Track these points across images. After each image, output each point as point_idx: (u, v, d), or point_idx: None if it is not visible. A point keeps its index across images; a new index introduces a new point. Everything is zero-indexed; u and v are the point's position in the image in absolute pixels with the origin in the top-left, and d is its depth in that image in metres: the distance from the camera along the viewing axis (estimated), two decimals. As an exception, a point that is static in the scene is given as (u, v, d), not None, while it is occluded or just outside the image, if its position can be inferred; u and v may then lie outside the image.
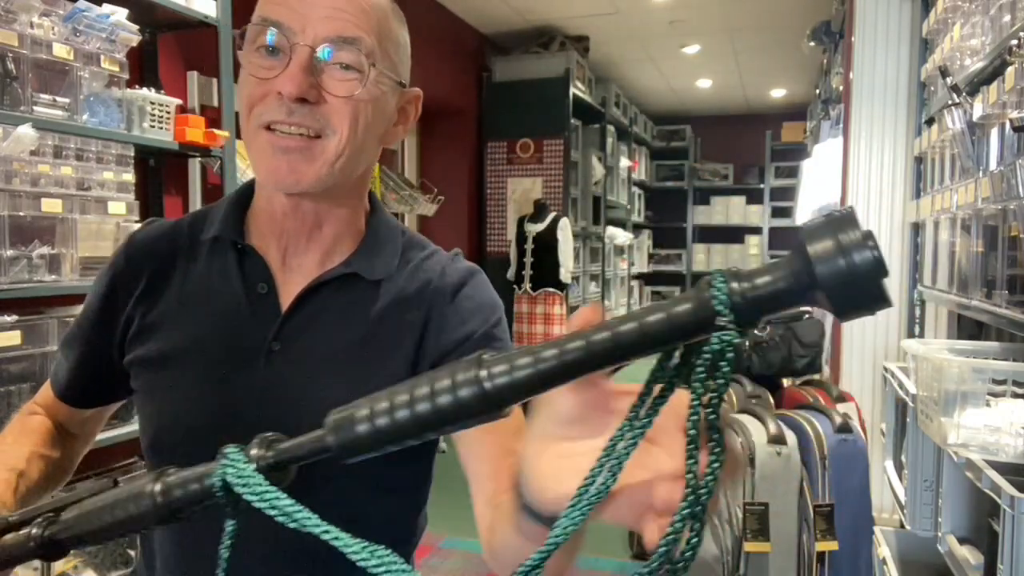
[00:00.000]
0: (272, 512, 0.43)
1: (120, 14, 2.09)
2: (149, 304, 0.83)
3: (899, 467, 1.95)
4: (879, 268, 0.31)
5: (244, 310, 0.80)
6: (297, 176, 0.74)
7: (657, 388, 0.39)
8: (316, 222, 0.81)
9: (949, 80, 1.82)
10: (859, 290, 0.32)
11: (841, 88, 3.64)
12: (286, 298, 0.81)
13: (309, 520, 0.42)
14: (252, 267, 0.82)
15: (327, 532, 0.41)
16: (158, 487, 0.49)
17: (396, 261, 0.84)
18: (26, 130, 1.77)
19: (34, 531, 0.55)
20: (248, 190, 0.86)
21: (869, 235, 0.31)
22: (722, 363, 0.36)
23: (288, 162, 0.73)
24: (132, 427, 2.09)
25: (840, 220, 0.32)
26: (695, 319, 0.37)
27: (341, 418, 0.43)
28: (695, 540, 0.36)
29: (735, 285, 0.36)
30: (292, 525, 0.42)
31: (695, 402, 0.37)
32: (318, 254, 0.82)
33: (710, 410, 0.37)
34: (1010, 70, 1.42)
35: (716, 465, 0.37)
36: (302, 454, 0.45)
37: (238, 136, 2.59)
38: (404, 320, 0.81)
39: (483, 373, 0.39)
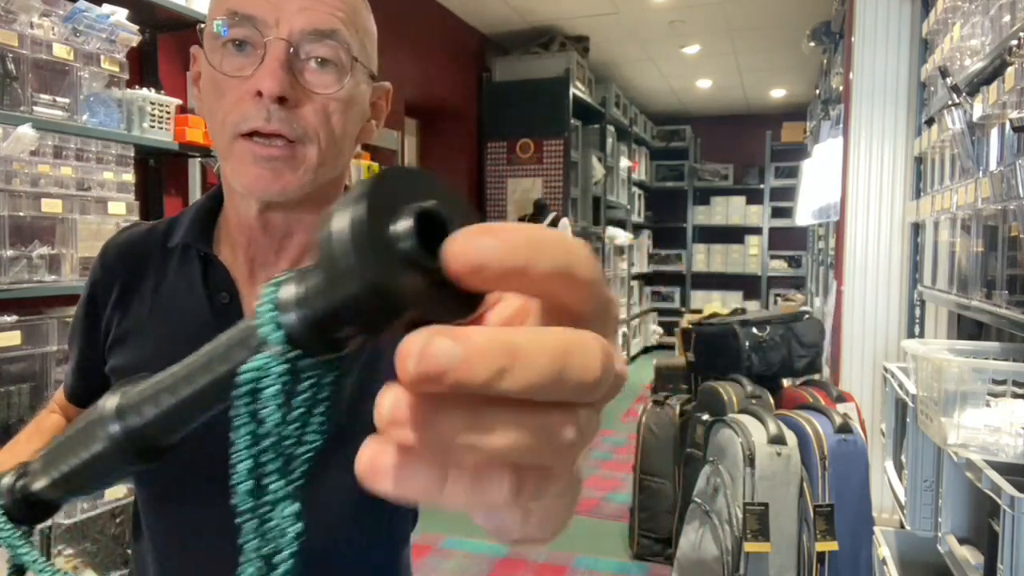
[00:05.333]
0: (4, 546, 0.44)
1: (120, 14, 2.09)
2: (123, 312, 0.81)
3: (899, 467, 1.95)
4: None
5: (208, 321, 0.77)
6: (282, 184, 0.70)
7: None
8: (286, 232, 0.77)
9: (949, 80, 1.82)
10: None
11: (841, 88, 3.64)
12: (251, 308, 0.78)
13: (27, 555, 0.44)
14: (215, 277, 0.78)
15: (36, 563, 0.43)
16: None
17: None
18: (26, 130, 1.77)
19: (8, 480, 0.47)
20: (217, 196, 0.82)
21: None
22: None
23: (272, 170, 0.69)
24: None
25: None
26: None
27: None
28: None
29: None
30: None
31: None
32: (287, 263, 0.78)
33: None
34: (1010, 70, 1.42)
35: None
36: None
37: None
38: None
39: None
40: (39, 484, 0.43)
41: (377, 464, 0.24)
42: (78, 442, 0.39)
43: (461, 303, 0.25)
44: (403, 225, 0.24)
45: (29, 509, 0.45)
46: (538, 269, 0.23)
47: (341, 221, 0.24)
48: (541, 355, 0.22)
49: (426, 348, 0.21)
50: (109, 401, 0.38)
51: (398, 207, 0.25)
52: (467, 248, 0.23)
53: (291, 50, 0.67)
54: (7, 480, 0.46)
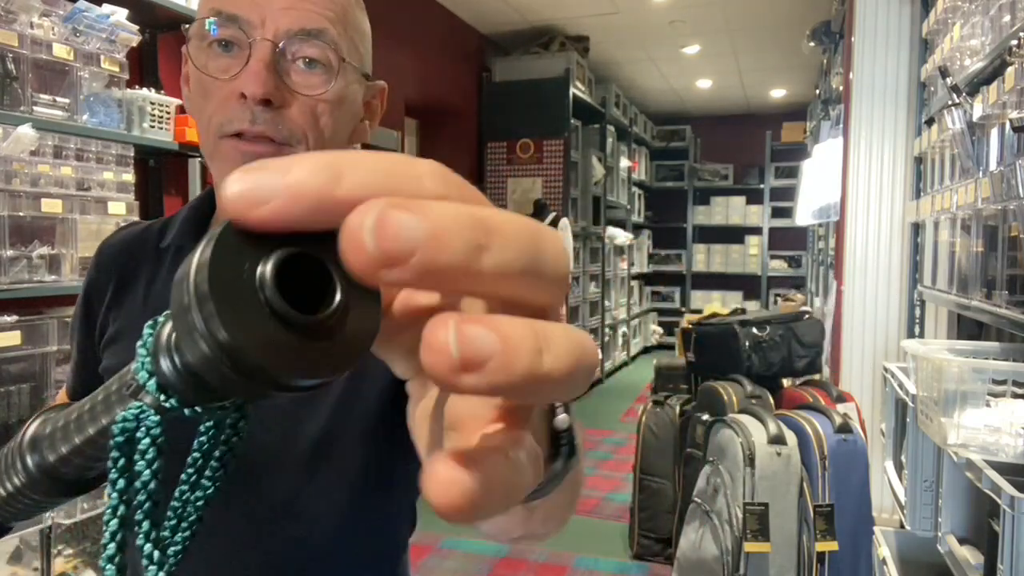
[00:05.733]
0: None
1: (120, 14, 2.09)
2: (117, 312, 0.81)
3: (899, 467, 1.95)
4: None
5: None
6: None
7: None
8: None
9: (949, 80, 1.82)
10: None
11: (841, 88, 3.64)
12: None
13: None
14: None
15: None
16: None
17: None
18: (26, 130, 1.77)
19: None
20: (210, 197, 0.81)
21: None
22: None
23: None
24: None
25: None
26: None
27: None
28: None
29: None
30: None
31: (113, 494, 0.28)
32: None
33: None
34: (1010, 70, 1.42)
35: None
36: None
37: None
38: None
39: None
40: None
41: (453, 488, 0.19)
42: (3, 471, 0.37)
43: (345, 358, 0.21)
44: (265, 271, 0.20)
45: None
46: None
47: (188, 265, 0.20)
48: (516, 232, 0.19)
49: (383, 222, 0.18)
50: (29, 428, 0.36)
51: (264, 249, 0.20)
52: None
53: (277, 50, 0.66)
54: None
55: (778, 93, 7.89)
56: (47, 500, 0.37)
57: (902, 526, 1.89)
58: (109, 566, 0.28)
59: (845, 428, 2.16)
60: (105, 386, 0.31)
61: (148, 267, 0.80)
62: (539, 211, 5.24)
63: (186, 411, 0.26)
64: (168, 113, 2.32)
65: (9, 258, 1.81)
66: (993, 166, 1.57)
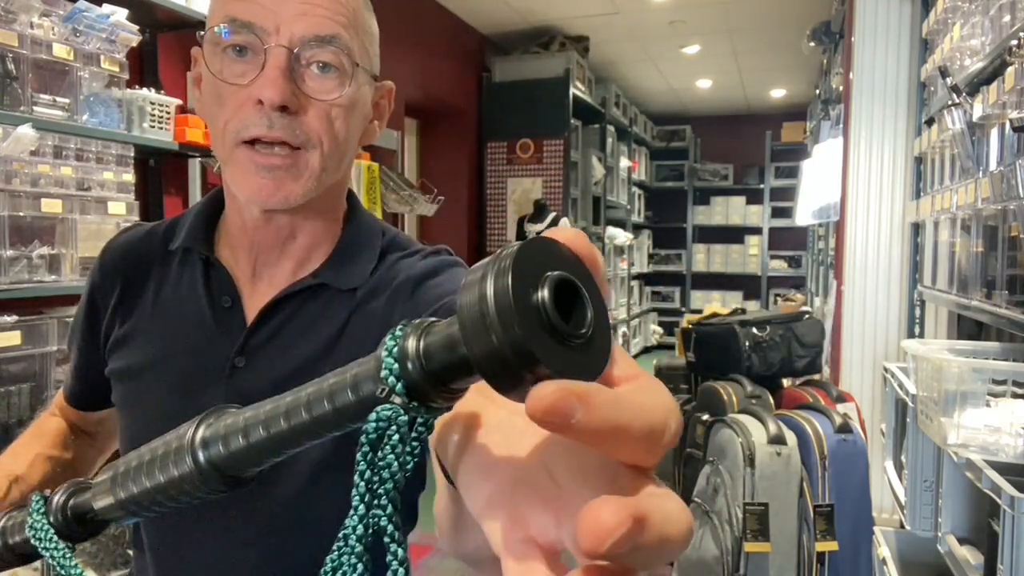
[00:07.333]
0: (52, 563, 0.46)
1: (120, 14, 2.09)
2: (124, 315, 0.81)
3: (899, 467, 1.95)
4: None
5: (209, 325, 0.76)
6: (285, 193, 0.70)
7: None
8: (290, 233, 0.76)
9: (949, 80, 1.82)
10: None
11: (841, 88, 3.64)
12: (252, 311, 0.76)
13: None
14: (217, 280, 0.78)
15: None
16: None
17: (371, 267, 0.78)
18: (26, 130, 1.77)
19: (58, 499, 0.47)
20: (218, 198, 0.82)
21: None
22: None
23: (274, 180, 0.69)
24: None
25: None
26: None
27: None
28: None
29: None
30: None
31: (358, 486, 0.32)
32: (290, 264, 0.78)
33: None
34: (1010, 70, 1.42)
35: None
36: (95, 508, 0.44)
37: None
38: (370, 327, 0.74)
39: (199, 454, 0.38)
40: (102, 503, 0.44)
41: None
42: (157, 467, 0.40)
43: (597, 368, 0.27)
44: (543, 295, 0.26)
45: (77, 527, 0.47)
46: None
47: (489, 287, 0.26)
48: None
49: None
50: (195, 431, 0.39)
51: (536, 275, 0.26)
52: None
53: (292, 56, 0.67)
54: (58, 499, 0.47)
55: (778, 93, 7.89)
56: (201, 494, 0.40)
57: (902, 526, 1.89)
58: (358, 545, 0.33)
59: (845, 428, 2.16)
60: (307, 392, 0.34)
61: (157, 269, 0.81)
62: (539, 211, 5.24)
63: (423, 411, 0.31)
64: (168, 113, 2.32)
65: (9, 258, 1.81)
66: (993, 166, 1.57)
